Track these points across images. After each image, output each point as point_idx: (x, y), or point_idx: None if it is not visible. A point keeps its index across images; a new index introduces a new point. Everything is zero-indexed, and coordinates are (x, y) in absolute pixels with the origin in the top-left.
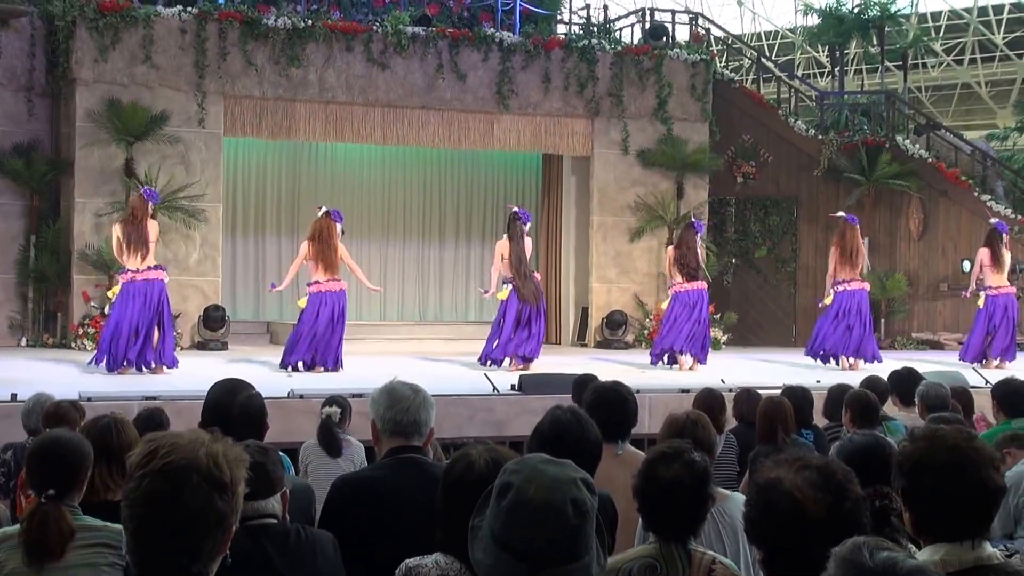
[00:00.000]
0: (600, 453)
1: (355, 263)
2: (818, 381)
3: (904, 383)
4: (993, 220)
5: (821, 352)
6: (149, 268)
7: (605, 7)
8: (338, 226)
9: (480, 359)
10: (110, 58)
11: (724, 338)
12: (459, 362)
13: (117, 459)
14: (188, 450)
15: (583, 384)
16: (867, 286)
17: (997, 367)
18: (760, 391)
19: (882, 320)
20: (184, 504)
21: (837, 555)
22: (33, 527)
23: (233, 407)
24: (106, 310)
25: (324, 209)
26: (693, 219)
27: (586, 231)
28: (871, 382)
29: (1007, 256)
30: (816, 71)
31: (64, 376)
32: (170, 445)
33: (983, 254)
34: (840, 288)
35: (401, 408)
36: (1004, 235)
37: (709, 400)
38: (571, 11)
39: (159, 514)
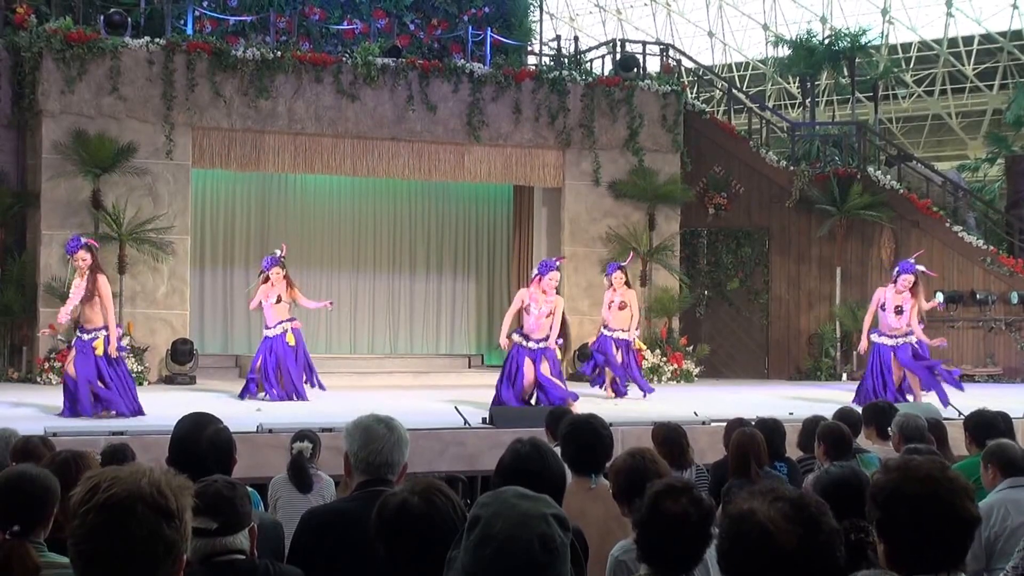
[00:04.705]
0: (564, 485)
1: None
2: (791, 413)
3: (880, 416)
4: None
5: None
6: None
7: (576, 38)
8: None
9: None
10: (77, 89)
11: (696, 370)
12: (429, 395)
13: None
14: (130, 481)
15: (558, 417)
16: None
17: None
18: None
19: (854, 352)
20: (131, 535)
21: None
22: None
23: (201, 441)
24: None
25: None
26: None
27: None
28: (844, 414)
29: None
30: (787, 102)
31: (29, 411)
32: (111, 479)
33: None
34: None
35: (374, 449)
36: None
37: (666, 434)
38: (542, 42)
39: (107, 548)
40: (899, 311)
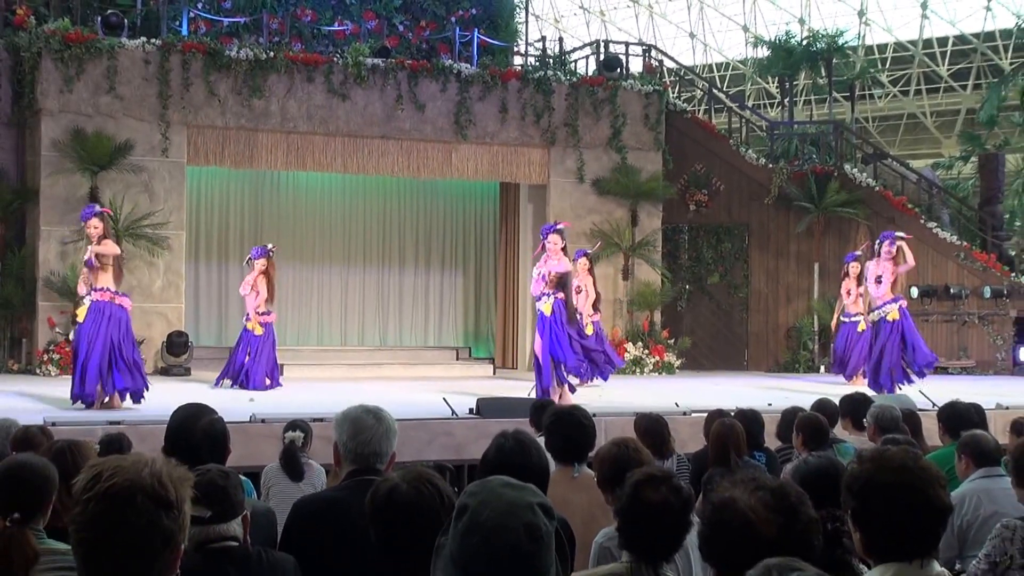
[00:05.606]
0: (547, 478)
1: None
2: (769, 404)
3: (856, 407)
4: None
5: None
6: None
7: (560, 39)
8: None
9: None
10: (75, 88)
11: (678, 362)
12: (418, 387)
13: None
14: (131, 471)
15: (541, 408)
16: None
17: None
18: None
19: (831, 345)
20: (130, 524)
21: None
22: None
23: (196, 432)
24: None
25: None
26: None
27: None
28: (821, 405)
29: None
30: (766, 102)
31: (29, 401)
32: (113, 468)
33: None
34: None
35: (363, 440)
36: (848, 264)
37: (648, 425)
38: (527, 43)
39: (106, 536)
40: (879, 280)
